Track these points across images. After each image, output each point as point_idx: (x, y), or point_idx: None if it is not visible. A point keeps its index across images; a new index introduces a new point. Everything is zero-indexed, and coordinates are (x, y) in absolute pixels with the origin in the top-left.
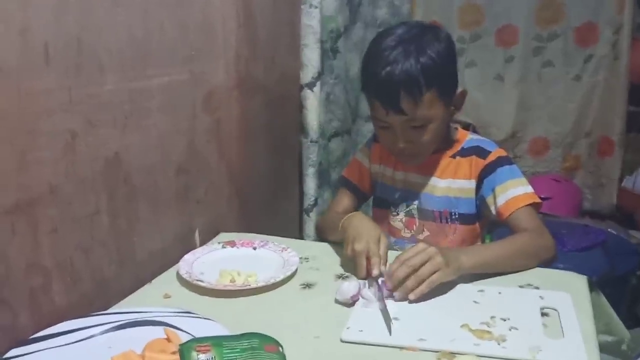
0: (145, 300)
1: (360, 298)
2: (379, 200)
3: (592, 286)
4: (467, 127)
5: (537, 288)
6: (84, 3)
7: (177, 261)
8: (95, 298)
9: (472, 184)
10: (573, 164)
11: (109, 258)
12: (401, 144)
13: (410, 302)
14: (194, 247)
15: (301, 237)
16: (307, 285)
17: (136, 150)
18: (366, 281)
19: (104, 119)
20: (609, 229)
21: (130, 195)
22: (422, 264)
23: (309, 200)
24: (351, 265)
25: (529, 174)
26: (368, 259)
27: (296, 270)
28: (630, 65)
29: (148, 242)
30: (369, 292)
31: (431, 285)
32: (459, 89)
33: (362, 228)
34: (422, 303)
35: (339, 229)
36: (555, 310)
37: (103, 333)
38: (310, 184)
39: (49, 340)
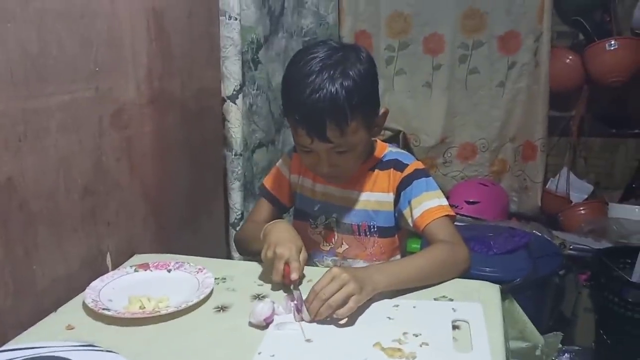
0: (46, 333)
1: (274, 320)
2: (299, 212)
3: (506, 294)
4: (397, 134)
5: (451, 300)
6: None
7: (85, 288)
8: None
9: (390, 197)
10: (500, 168)
11: (3, 289)
12: (325, 169)
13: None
14: (106, 272)
15: (228, 253)
16: (222, 308)
17: (33, 174)
18: (281, 303)
19: None
20: (534, 231)
21: (27, 222)
22: (335, 293)
23: (235, 214)
24: (266, 282)
25: (458, 178)
26: (287, 264)
27: (211, 292)
28: (549, 72)
29: (50, 269)
30: (282, 309)
31: (349, 312)
32: (382, 109)
33: (285, 234)
34: (337, 321)
35: (261, 237)
36: (467, 322)
37: None
38: (236, 198)
39: None
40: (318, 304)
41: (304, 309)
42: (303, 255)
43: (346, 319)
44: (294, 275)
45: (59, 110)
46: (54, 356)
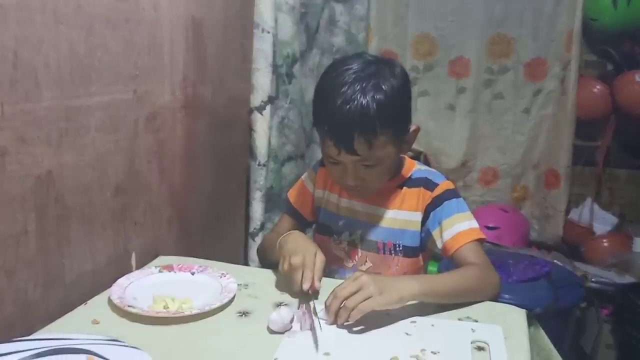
0: (72, 326)
1: (291, 327)
2: (322, 227)
3: (531, 320)
4: (418, 154)
5: (476, 321)
6: (24, 17)
7: (110, 285)
8: (17, 321)
9: (417, 216)
10: (521, 194)
11: (34, 280)
12: (351, 181)
13: (338, 326)
14: (130, 270)
15: (246, 262)
16: (244, 313)
17: (71, 169)
18: (296, 313)
19: (38, 136)
20: (554, 260)
21: (61, 215)
22: (354, 294)
23: (255, 224)
24: (288, 291)
25: (478, 202)
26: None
27: (234, 297)
28: (576, 100)
29: (79, 264)
30: (296, 319)
31: (360, 313)
32: (413, 126)
33: (299, 244)
34: (354, 334)
35: (276, 247)
36: (486, 343)
37: None
38: (257, 208)
39: None
40: (336, 304)
41: (314, 318)
42: (319, 257)
43: (361, 327)
44: (305, 285)
45: (99, 110)
46: (79, 348)
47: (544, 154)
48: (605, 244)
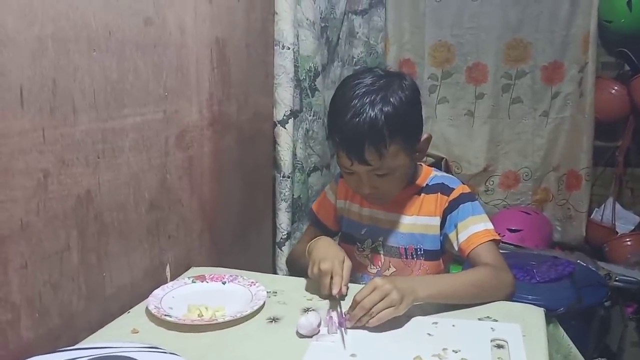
0: (113, 335)
1: (319, 331)
2: (345, 236)
3: (550, 318)
4: (440, 161)
5: (495, 320)
6: (61, 47)
7: (147, 296)
8: (63, 333)
9: (436, 220)
10: (543, 196)
11: (77, 293)
12: (366, 190)
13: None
14: (164, 282)
15: (274, 271)
16: (274, 320)
17: (108, 188)
18: (324, 318)
19: (77, 157)
20: (578, 261)
21: (100, 232)
22: (377, 303)
23: (281, 234)
24: (315, 298)
25: (500, 206)
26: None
27: (263, 304)
28: (594, 102)
29: (117, 277)
30: (323, 323)
31: (380, 321)
32: (424, 135)
33: (328, 250)
34: (379, 336)
35: (306, 254)
36: (505, 341)
37: None
38: (283, 218)
39: None
40: (360, 312)
41: (343, 317)
42: (347, 264)
43: (385, 329)
44: (335, 290)
45: (132, 131)
46: (122, 356)
47: (564, 156)
48: (628, 243)
